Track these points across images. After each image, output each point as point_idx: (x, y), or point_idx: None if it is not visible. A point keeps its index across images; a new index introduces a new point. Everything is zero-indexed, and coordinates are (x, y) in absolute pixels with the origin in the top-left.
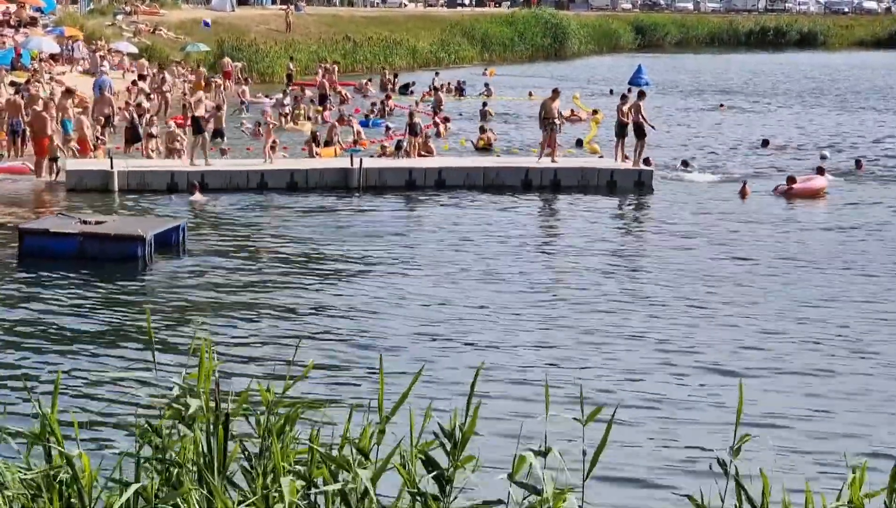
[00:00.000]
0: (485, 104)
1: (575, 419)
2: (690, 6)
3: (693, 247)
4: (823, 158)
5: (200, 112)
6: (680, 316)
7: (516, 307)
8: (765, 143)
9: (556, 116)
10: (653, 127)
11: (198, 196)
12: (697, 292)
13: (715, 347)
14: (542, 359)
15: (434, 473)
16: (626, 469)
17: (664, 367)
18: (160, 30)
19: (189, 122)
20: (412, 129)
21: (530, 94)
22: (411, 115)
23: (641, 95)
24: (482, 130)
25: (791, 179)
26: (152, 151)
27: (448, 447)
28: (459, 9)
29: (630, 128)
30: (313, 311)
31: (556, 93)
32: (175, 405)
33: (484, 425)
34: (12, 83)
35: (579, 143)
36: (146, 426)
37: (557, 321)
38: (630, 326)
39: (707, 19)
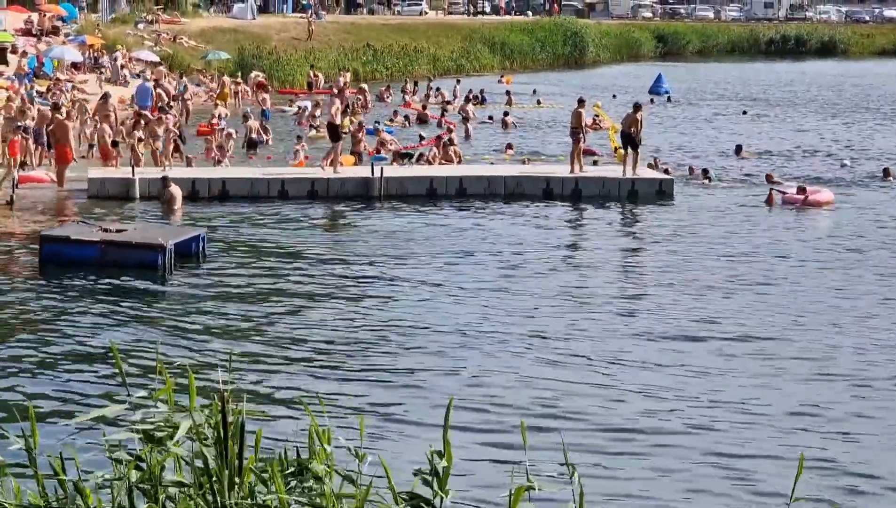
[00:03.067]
0: (506, 113)
1: (562, 463)
2: (711, 15)
3: (718, 257)
4: (843, 165)
5: (337, 120)
6: (704, 331)
7: (537, 322)
8: (738, 149)
9: (581, 125)
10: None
11: (174, 191)
12: (722, 306)
13: (744, 371)
14: (560, 375)
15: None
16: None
17: (685, 386)
18: (181, 38)
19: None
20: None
21: (539, 102)
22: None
23: (637, 107)
24: (509, 146)
25: (801, 190)
26: (140, 154)
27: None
28: (480, 17)
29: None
30: (332, 322)
31: (581, 103)
32: (166, 425)
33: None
34: (37, 93)
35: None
36: (134, 450)
37: (578, 336)
38: (654, 340)
39: (728, 28)
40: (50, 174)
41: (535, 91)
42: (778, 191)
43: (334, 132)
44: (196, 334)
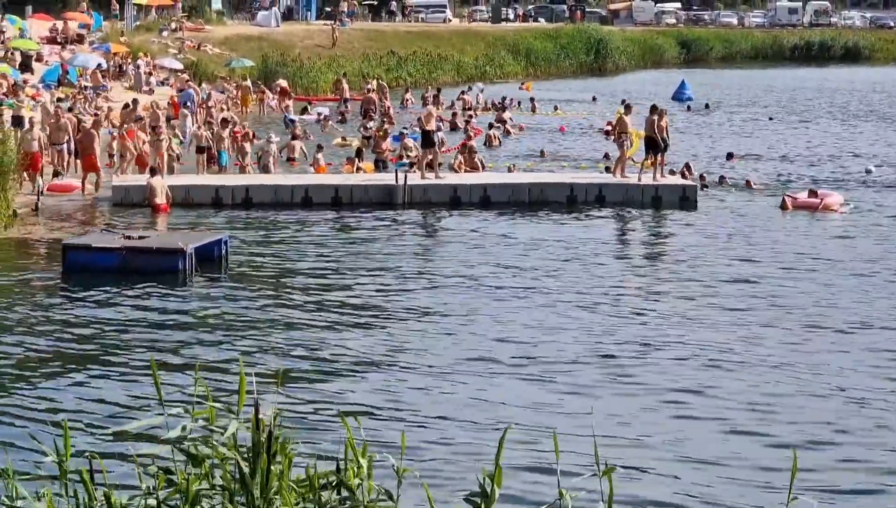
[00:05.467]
0: (503, 122)
1: (594, 474)
2: (735, 21)
3: (741, 264)
4: (868, 172)
5: (431, 126)
6: (724, 341)
7: (562, 332)
8: (729, 155)
9: (627, 131)
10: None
11: (154, 182)
12: (746, 314)
13: (760, 388)
14: (581, 386)
15: None
16: None
17: (706, 404)
18: (205, 46)
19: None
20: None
21: (556, 108)
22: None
23: (628, 108)
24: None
25: (812, 193)
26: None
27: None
28: (504, 24)
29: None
30: (355, 329)
31: (628, 109)
32: (214, 428)
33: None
34: (59, 100)
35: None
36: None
37: (602, 347)
38: (673, 351)
39: (751, 34)
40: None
41: (594, 98)
42: (789, 196)
43: (427, 139)
44: (212, 339)
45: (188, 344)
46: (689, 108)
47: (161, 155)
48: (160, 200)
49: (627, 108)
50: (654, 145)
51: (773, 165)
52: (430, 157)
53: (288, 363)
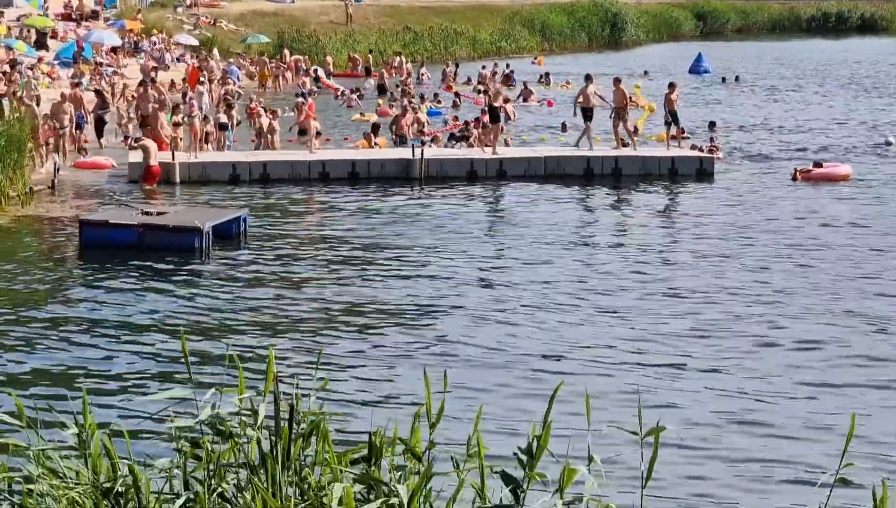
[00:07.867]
0: (507, 99)
1: (633, 432)
2: None
3: (757, 234)
4: (888, 144)
5: (499, 103)
6: (745, 313)
7: (575, 304)
8: (711, 124)
9: (626, 104)
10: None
11: (147, 143)
12: (764, 284)
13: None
14: (599, 359)
15: (510, 486)
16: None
17: (724, 371)
18: (220, 22)
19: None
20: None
21: (567, 82)
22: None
23: (617, 81)
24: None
25: (817, 164)
26: (181, 139)
27: (525, 459)
28: None
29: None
30: (375, 304)
31: (617, 81)
32: (243, 412)
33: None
34: (73, 75)
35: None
36: (192, 437)
37: (616, 318)
38: (689, 322)
39: (768, 6)
40: (111, 160)
41: (646, 72)
42: (799, 169)
43: (494, 114)
44: (232, 315)
45: (206, 321)
46: (723, 79)
47: (195, 132)
48: (153, 161)
49: (617, 81)
50: (590, 116)
51: (787, 137)
52: (501, 133)
53: (309, 341)
